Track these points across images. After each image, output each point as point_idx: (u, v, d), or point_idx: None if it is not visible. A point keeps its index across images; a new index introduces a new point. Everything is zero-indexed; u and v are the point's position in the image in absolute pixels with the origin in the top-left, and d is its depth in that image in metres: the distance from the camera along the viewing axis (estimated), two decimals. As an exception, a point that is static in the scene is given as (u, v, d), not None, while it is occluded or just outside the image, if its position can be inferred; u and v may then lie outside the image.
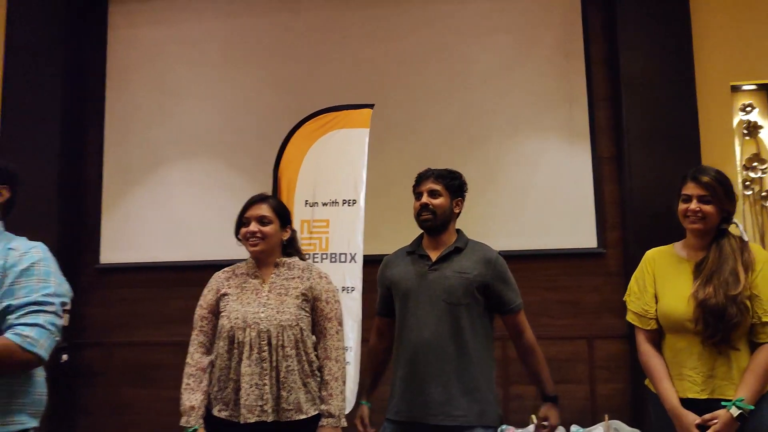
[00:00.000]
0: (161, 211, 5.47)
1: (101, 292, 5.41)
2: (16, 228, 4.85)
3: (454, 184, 2.51)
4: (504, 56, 5.31)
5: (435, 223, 2.45)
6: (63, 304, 1.76)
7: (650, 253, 2.42)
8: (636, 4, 4.96)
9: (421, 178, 2.54)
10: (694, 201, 2.26)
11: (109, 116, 5.63)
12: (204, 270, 5.26)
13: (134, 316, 5.39)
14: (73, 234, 5.49)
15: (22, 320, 1.59)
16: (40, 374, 1.77)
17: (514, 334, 2.54)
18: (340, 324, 2.41)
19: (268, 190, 4.41)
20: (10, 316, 1.58)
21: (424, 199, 2.45)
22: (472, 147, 5.24)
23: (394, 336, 2.49)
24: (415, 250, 2.53)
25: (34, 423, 1.70)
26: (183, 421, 2.31)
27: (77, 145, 5.62)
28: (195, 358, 2.40)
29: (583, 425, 4.65)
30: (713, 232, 2.27)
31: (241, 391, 2.22)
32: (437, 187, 2.46)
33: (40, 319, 1.64)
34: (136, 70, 5.66)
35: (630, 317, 2.42)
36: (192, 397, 2.31)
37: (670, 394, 2.23)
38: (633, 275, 2.42)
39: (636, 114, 4.89)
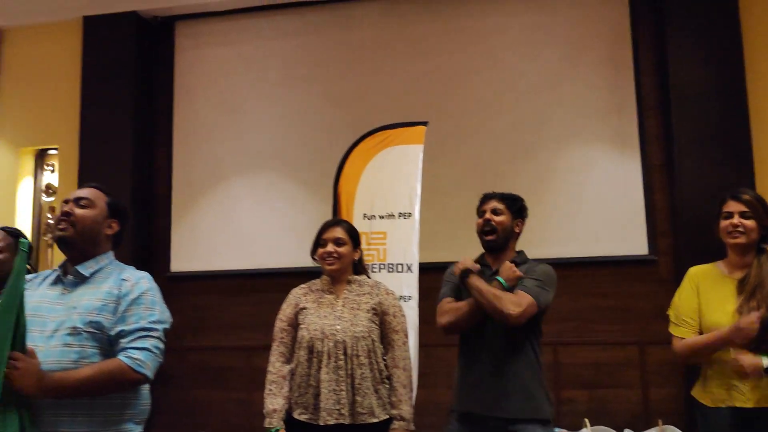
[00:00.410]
0: (226, 222, 5.80)
1: (172, 299, 5.64)
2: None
3: (516, 206, 2.70)
4: (553, 68, 5.43)
5: (497, 241, 2.63)
6: (165, 329, 2.02)
7: (693, 270, 2.55)
8: (685, 13, 5.03)
9: (485, 199, 2.74)
10: (736, 216, 2.39)
11: (176, 133, 6.00)
12: (267, 278, 5.66)
13: (203, 321, 5.72)
14: (145, 244, 5.88)
15: (133, 344, 1.86)
16: (145, 387, 2.04)
17: None
18: (406, 336, 2.61)
19: (327, 201, 4.68)
20: (122, 340, 1.85)
21: (487, 215, 2.64)
22: (523, 157, 5.38)
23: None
24: (480, 261, 2.71)
25: (139, 429, 1.97)
26: (266, 423, 2.56)
27: (148, 162, 6.00)
28: (276, 366, 2.63)
29: (636, 430, 4.74)
30: (754, 249, 2.39)
31: (321, 396, 2.44)
32: (500, 206, 2.65)
33: (148, 343, 1.91)
34: (202, 89, 6.01)
35: (672, 329, 2.55)
36: (274, 401, 2.55)
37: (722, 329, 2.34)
38: (677, 291, 2.55)
39: (686, 122, 4.95)
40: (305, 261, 5.20)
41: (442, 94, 5.57)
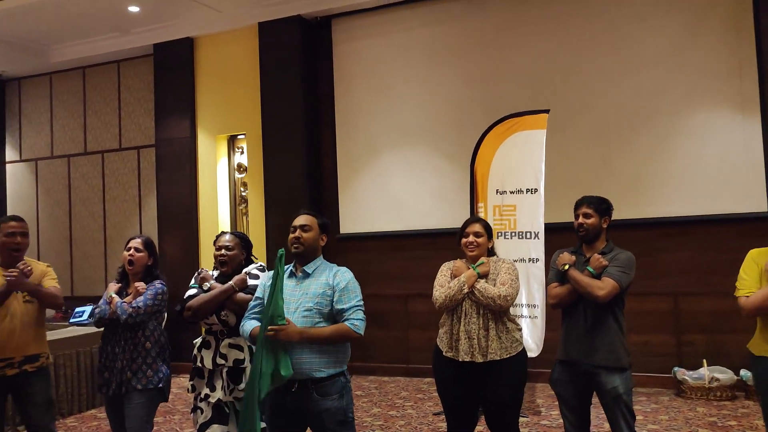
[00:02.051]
0: (382, 190, 6.88)
1: (341, 256, 6.95)
2: (279, 205, 6.59)
3: (602, 208, 3.40)
4: (675, 35, 5.80)
5: (588, 236, 3.38)
6: (362, 303, 3.03)
7: (754, 251, 3.14)
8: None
9: (577, 205, 3.46)
10: None
11: (338, 116, 7.10)
12: (417, 237, 6.76)
13: (366, 273, 6.81)
14: (318, 211, 7.05)
15: (351, 316, 2.90)
16: (349, 340, 3.10)
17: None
18: (513, 280, 3.26)
19: (466, 169, 5.52)
20: (344, 313, 2.90)
21: (581, 219, 3.39)
22: (645, 122, 5.87)
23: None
24: (577, 251, 3.48)
25: (344, 367, 3.04)
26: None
27: (316, 141, 7.18)
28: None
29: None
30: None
31: (459, 342, 3.35)
32: (589, 210, 3.39)
33: (360, 314, 2.95)
34: (357, 76, 7.02)
35: (737, 292, 3.15)
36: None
37: None
38: (741, 267, 3.16)
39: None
40: (449, 223, 6.26)
41: (566, 68, 6.14)
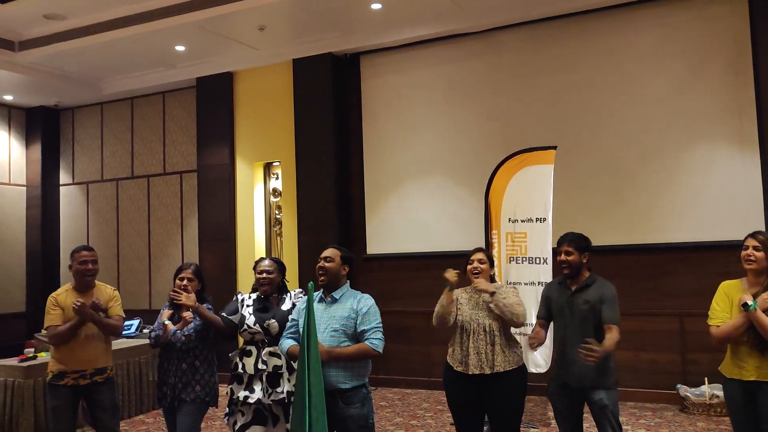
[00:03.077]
0: (406, 215, 7.40)
1: (367, 275, 7.48)
2: (311, 228, 7.11)
3: (582, 245, 3.82)
4: (678, 77, 6.23)
5: (570, 274, 3.80)
6: (381, 324, 3.52)
7: (725, 284, 3.56)
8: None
9: (559, 242, 3.88)
10: (750, 248, 3.38)
11: (366, 146, 7.65)
12: (438, 258, 7.28)
13: (391, 291, 7.39)
14: (347, 233, 7.65)
15: (372, 336, 3.40)
16: (370, 356, 3.60)
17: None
18: (516, 297, 3.73)
19: (482, 199, 5.97)
20: (366, 334, 3.40)
21: (562, 257, 3.82)
22: (650, 157, 6.30)
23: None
24: (562, 282, 3.92)
25: (366, 380, 3.53)
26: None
27: (345, 169, 7.73)
28: None
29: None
30: (765, 273, 3.36)
31: (469, 357, 3.82)
32: (570, 248, 3.81)
33: (378, 335, 3.44)
34: (383, 110, 7.56)
35: (710, 323, 3.56)
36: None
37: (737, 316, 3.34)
38: (713, 299, 3.57)
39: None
40: (467, 245, 6.72)
41: (577, 105, 6.61)
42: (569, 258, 3.78)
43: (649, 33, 6.35)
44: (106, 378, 4.21)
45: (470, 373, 3.75)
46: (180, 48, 7.69)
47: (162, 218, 8.94)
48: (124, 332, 7.42)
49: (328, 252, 3.62)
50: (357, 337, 3.44)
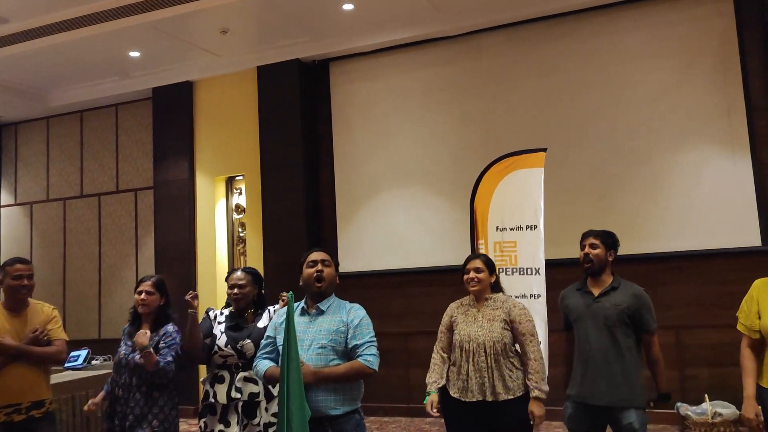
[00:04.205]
0: (381, 228, 6.92)
1: (341, 294, 6.94)
2: (278, 245, 6.62)
3: (609, 241, 3.46)
4: (665, 78, 5.97)
5: (593, 269, 3.43)
6: (375, 339, 3.05)
7: (757, 283, 3.19)
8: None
9: (584, 237, 3.51)
10: None
11: (336, 156, 7.18)
12: (418, 274, 6.77)
13: (367, 312, 6.86)
14: (317, 248, 7.11)
15: (365, 352, 2.91)
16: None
17: (646, 347, 3.43)
18: (532, 335, 3.41)
19: (464, 209, 5.60)
20: (358, 350, 2.91)
21: (586, 249, 3.44)
22: (640, 160, 5.99)
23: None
24: (582, 288, 3.52)
25: (359, 405, 3.03)
26: (427, 389, 3.48)
27: (315, 181, 7.24)
28: (436, 359, 3.59)
29: (752, 404, 5.29)
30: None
31: (469, 381, 3.37)
32: (596, 242, 3.44)
33: (373, 350, 2.96)
34: (355, 118, 7.13)
35: (740, 327, 3.20)
36: (433, 375, 3.48)
37: (750, 386, 3.03)
38: (744, 298, 3.20)
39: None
40: (448, 261, 6.29)
41: (561, 110, 6.29)
42: (594, 251, 3.39)
43: (635, 34, 6.10)
44: (45, 413, 3.58)
45: (468, 400, 3.28)
46: (134, 54, 7.13)
47: (114, 239, 8.26)
48: (69, 363, 6.70)
49: (323, 255, 3.14)
50: (348, 354, 2.94)
